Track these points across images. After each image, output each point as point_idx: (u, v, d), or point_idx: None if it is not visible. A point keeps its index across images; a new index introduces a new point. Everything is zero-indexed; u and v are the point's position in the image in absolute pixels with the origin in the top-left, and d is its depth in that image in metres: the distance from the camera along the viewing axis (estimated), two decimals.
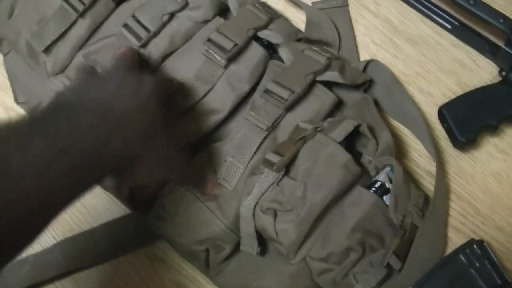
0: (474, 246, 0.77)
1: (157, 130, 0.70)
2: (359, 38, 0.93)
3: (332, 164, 0.75)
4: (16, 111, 0.92)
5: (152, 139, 0.70)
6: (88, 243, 0.84)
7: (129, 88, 0.70)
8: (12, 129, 0.61)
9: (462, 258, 0.76)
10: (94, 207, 0.86)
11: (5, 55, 0.92)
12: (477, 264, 0.76)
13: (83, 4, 0.86)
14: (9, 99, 0.92)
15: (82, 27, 0.86)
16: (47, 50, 0.87)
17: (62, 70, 0.86)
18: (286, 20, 0.93)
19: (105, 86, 0.70)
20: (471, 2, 0.86)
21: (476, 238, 0.80)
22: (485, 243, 0.77)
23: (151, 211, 0.80)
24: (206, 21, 0.86)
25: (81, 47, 0.87)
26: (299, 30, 0.91)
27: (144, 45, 0.84)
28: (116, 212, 0.85)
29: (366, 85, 0.86)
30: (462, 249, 0.77)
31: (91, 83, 0.70)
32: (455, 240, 0.81)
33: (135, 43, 0.84)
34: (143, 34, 0.84)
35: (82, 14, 0.86)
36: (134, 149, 0.68)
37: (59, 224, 0.85)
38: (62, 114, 0.64)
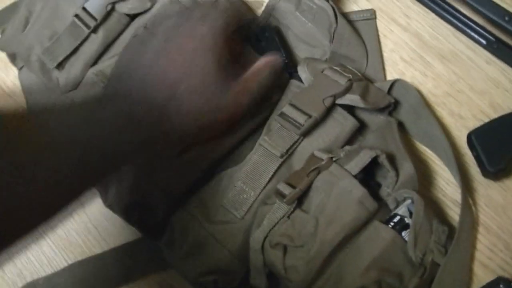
0: (501, 285, 0.73)
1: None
2: (387, 54, 0.88)
3: (346, 199, 0.70)
4: None
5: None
6: (99, 268, 0.82)
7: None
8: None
9: None
10: (107, 231, 0.84)
11: (19, 69, 0.90)
12: None
13: (95, 19, 0.83)
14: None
15: (94, 42, 0.84)
16: (60, 66, 0.84)
17: (75, 87, 0.84)
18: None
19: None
20: (506, 18, 0.80)
21: (505, 275, 0.75)
22: None
23: (162, 237, 0.77)
24: None
25: (94, 63, 0.84)
26: None
27: None
28: (129, 236, 0.83)
29: (390, 108, 0.81)
30: None
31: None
32: (481, 276, 0.76)
33: None
34: None
35: (94, 30, 0.83)
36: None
37: (71, 247, 0.84)
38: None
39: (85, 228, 0.84)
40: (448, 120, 0.84)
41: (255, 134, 0.79)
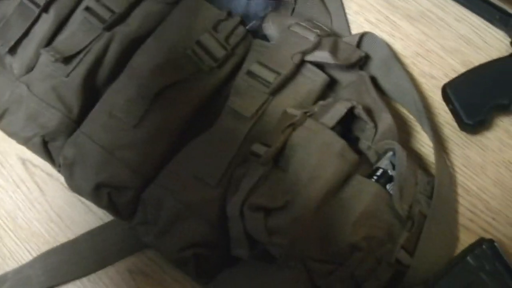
0: (484, 246, 0.70)
1: None
2: (351, 17, 0.85)
3: (326, 153, 0.68)
4: None
5: None
6: (72, 255, 0.79)
7: None
8: None
9: (471, 260, 0.69)
10: (69, 217, 0.80)
11: None
12: (487, 267, 0.69)
13: None
14: None
15: (46, 22, 0.80)
16: (12, 50, 0.80)
17: (29, 70, 0.80)
18: None
19: None
20: None
21: (487, 236, 0.72)
22: (495, 243, 0.70)
23: (134, 217, 0.73)
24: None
25: (48, 43, 0.80)
26: None
27: (109, 28, 0.78)
28: (93, 222, 0.80)
29: (361, 62, 0.79)
30: (470, 250, 0.70)
31: None
32: (463, 239, 0.74)
33: (98, 26, 0.78)
34: (107, 15, 0.78)
35: (45, 8, 0.79)
36: None
37: (33, 237, 0.80)
38: None
39: (47, 217, 0.80)
40: (419, 81, 0.81)
41: (221, 96, 0.77)
